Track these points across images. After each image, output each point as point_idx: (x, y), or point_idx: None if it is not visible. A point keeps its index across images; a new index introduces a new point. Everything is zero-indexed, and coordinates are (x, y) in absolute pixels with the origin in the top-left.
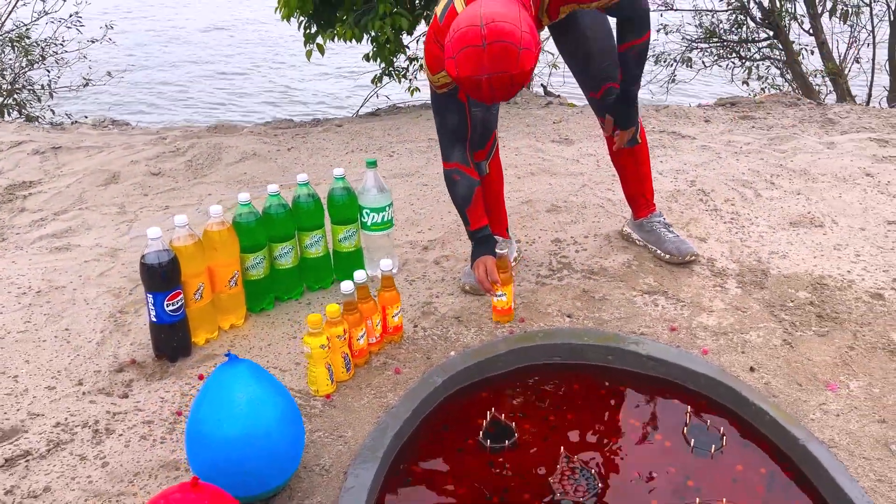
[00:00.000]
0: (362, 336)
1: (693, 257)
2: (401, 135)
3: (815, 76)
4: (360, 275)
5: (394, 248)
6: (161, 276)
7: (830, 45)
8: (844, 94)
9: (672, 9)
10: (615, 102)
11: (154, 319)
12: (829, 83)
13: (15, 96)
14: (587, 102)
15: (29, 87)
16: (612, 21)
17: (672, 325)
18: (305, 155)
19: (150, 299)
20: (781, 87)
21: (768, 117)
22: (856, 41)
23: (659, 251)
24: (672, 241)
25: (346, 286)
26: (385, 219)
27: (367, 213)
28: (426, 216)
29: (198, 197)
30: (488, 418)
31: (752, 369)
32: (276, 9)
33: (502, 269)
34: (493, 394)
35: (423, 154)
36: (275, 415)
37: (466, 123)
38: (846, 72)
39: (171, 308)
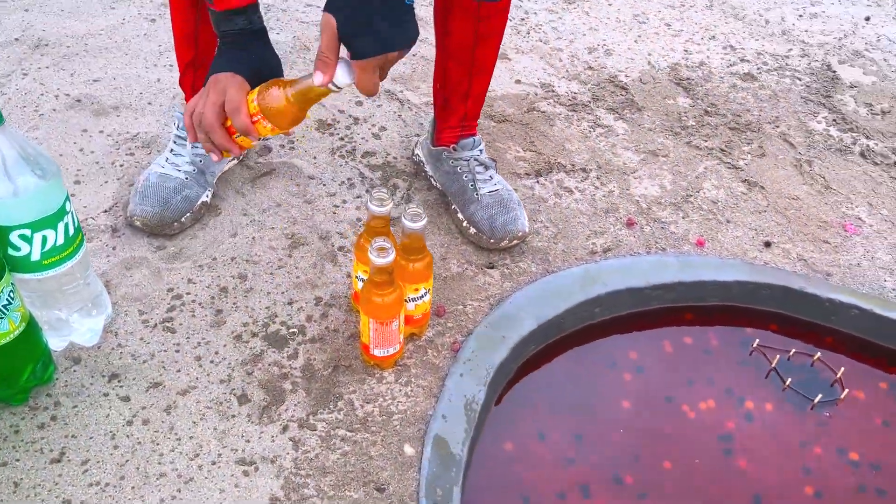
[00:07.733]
0: None
1: (513, 242)
2: None
3: None
4: None
5: (105, 294)
6: None
7: None
8: None
9: None
10: None
11: None
12: None
13: None
14: None
15: None
16: None
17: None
18: None
19: None
20: None
21: None
22: None
23: (464, 221)
24: (489, 203)
25: None
26: (58, 242)
27: (17, 236)
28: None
29: None
30: None
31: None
32: None
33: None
34: None
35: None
36: None
37: None
38: None
39: None
